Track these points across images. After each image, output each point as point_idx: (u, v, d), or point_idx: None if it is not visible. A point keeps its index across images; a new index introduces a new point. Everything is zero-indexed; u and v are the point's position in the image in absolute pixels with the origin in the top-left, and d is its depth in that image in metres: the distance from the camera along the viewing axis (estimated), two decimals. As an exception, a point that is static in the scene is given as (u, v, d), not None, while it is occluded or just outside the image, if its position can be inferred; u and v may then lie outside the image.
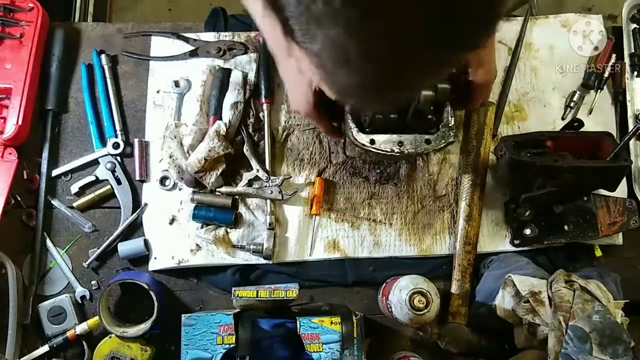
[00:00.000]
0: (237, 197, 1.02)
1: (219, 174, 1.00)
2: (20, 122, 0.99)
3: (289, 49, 0.76)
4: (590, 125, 1.06)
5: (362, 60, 0.49)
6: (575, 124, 1.00)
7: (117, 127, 1.04)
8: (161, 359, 0.97)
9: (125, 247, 0.99)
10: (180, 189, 1.03)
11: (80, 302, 1.00)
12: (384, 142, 0.94)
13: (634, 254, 1.05)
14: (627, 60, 1.10)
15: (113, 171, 1.03)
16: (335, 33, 0.47)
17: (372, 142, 0.97)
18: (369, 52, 0.48)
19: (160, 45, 1.09)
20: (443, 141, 0.96)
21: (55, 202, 1.02)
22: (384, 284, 0.98)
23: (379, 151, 0.93)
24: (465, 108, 1.05)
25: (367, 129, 0.95)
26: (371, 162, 1.05)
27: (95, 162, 1.04)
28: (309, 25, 0.48)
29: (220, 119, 1.02)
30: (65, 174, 1.04)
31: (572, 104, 1.08)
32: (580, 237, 1.00)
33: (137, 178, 1.03)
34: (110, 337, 0.94)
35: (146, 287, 0.93)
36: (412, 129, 0.94)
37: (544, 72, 1.10)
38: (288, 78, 0.93)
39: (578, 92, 1.08)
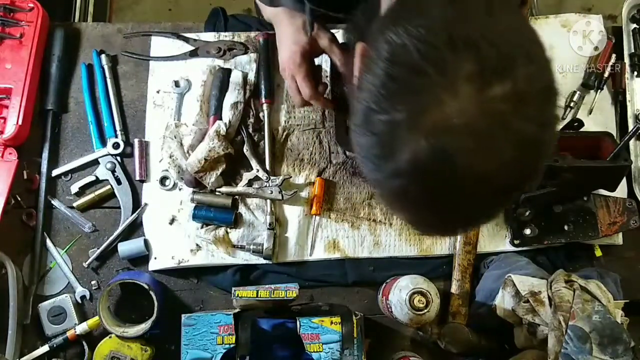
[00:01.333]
0: (237, 197, 1.02)
1: (219, 174, 1.00)
2: (20, 122, 0.99)
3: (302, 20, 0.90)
4: (590, 125, 1.06)
5: (419, 222, 0.61)
6: (575, 124, 1.00)
7: (117, 127, 1.04)
8: (161, 359, 0.97)
9: (125, 247, 0.99)
10: (180, 189, 1.03)
11: (80, 302, 1.00)
12: None
13: (634, 254, 1.05)
14: (627, 60, 1.10)
15: (113, 171, 1.03)
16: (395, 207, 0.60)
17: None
18: (425, 221, 0.59)
19: (160, 45, 1.09)
20: None
21: (55, 202, 1.02)
22: (384, 284, 0.98)
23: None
24: None
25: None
26: (371, 162, 1.05)
27: (95, 162, 1.04)
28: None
29: (220, 119, 1.02)
30: (65, 174, 1.04)
31: (572, 104, 1.08)
32: (580, 237, 1.00)
33: (137, 178, 1.02)
34: (110, 337, 0.94)
35: (146, 287, 0.93)
36: None
37: (544, 72, 1.10)
38: (287, 33, 0.92)
39: (578, 92, 1.08)
